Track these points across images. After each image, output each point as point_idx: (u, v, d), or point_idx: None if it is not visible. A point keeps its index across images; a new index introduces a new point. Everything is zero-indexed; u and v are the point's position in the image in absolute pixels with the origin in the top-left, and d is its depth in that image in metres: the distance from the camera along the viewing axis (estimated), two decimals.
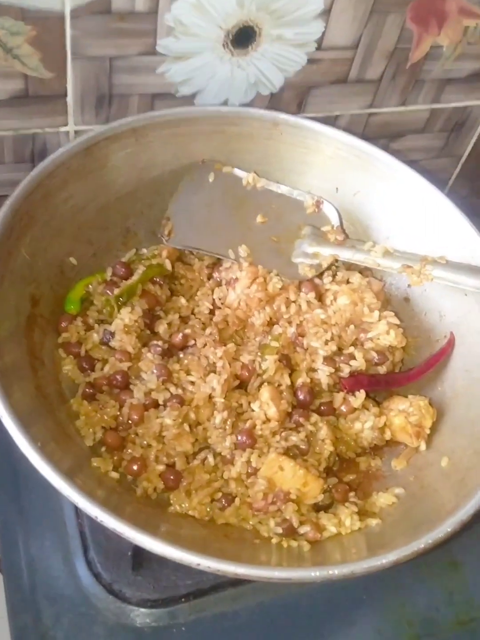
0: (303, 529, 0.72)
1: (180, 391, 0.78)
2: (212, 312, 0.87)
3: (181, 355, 0.81)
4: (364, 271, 0.94)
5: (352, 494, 0.78)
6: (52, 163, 0.84)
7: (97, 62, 0.93)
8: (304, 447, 0.78)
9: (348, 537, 0.71)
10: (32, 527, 0.80)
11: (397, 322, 0.88)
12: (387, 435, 0.82)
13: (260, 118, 0.96)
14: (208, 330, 0.84)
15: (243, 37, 0.93)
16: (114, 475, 0.73)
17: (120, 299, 0.82)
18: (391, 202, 0.96)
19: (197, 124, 0.94)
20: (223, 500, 0.74)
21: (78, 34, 0.89)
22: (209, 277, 0.91)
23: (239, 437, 0.76)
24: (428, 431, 0.82)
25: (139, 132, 0.91)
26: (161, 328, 0.82)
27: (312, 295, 0.88)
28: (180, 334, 0.82)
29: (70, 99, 0.97)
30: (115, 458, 0.75)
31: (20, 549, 0.79)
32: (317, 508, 0.76)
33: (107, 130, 0.88)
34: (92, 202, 0.91)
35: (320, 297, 0.89)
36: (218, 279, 0.90)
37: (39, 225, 0.83)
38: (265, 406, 0.77)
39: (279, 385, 0.80)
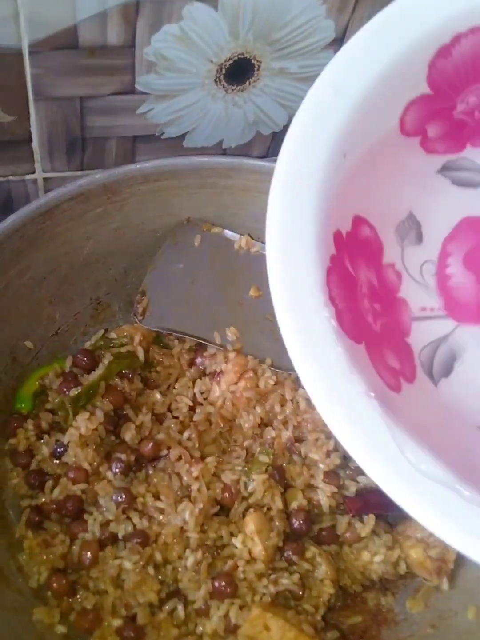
0: None
1: (145, 523, 0.64)
2: (192, 409, 0.73)
3: (150, 471, 0.67)
4: None
5: None
6: (0, 234, 0.70)
7: (65, 102, 0.81)
8: (298, 591, 0.64)
9: None
10: None
11: None
12: (402, 569, 0.67)
13: (257, 169, 0.81)
14: (186, 434, 0.70)
15: (239, 71, 0.81)
16: (61, 629, 0.59)
17: (78, 401, 0.68)
18: None
19: (181, 177, 0.80)
20: None
21: (40, 72, 0.77)
22: (191, 363, 0.77)
23: (216, 583, 0.62)
24: (452, 566, 0.67)
25: (112, 188, 0.77)
26: (128, 435, 0.68)
27: None
28: (151, 443, 0.67)
29: (35, 144, 0.85)
30: (63, 605, 0.61)
31: None
32: None
33: (72, 189, 0.75)
34: (54, 272, 0.77)
35: None
36: (201, 367, 0.76)
37: None
38: (249, 542, 0.63)
39: (269, 509, 0.66)
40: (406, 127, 0.54)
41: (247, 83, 0.83)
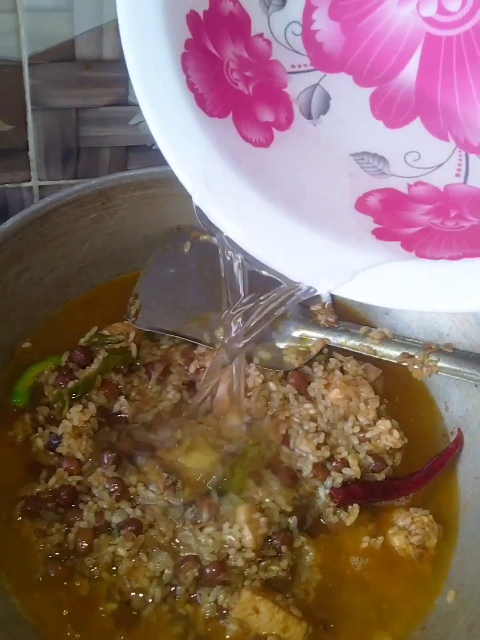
0: None
1: (138, 512, 0.66)
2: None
3: (141, 462, 0.70)
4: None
5: None
6: (1, 235, 0.72)
7: (61, 113, 0.85)
8: (286, 577, 0.66)
9: None
10: None
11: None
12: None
13: None
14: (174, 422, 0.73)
15: None
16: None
17: (74, 393, 0.71)
18: None
19: (172, 184, 0.81)
20: None
21: (38, 83, 0.80)
22: (184, 361, 0.79)
23: (208, 570, 0.64)
24: (432, 552, 0.70)
25: (106, 194, 0.80)
26: (117, 406, 0.73)
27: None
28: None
29: (32, 153, 0.88)
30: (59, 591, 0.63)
31: None
32: None
33: (68, 194, 0.77)
34: (51, 274, 0.80)
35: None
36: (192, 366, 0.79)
37: None
38: (236, 532, 0.65)
39: (260, 502, 0.69)
40: None
41: None
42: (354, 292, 0.47)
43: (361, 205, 0.53)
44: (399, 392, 0.81)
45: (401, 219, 0.52)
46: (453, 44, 0.53)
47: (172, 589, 0.65)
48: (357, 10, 0.54)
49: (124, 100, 0.85)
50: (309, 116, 0.57)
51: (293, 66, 0.57)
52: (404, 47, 0.54)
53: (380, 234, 0.50)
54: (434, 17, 0.53)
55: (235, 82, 0.54)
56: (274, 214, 0.49)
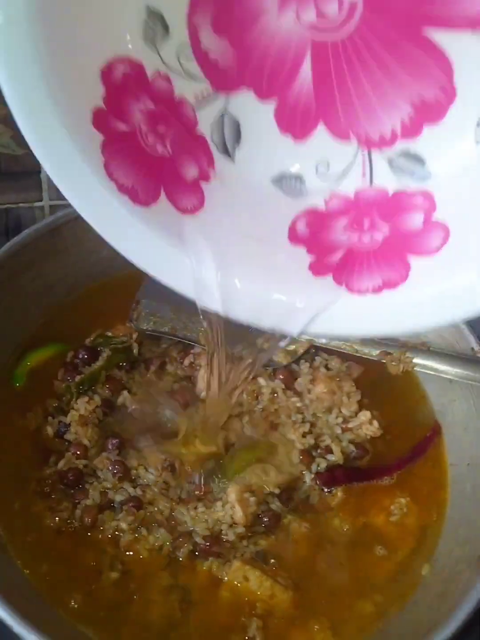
0: None
1: (139, 492, 0.73)
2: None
3: (142, 446, 0.76)
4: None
5: None
6: (17, 244, 0.81)
7: None
8: (275, 551, 0.72)
9: None
10: None
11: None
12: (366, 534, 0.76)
13: None
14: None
15: None
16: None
17: (81, 386, 0.78)
18: None
19: None
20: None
21: None
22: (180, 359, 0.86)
23: (203, 543, 0.71)
24: (410, 530, 0.76)
25: None
26: (121, 399, 0.80)
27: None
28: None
29: (43, 175, 0.96)
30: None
31: None
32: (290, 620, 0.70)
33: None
34: (62, 281, 0.88)
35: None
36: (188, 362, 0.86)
37: (1, 308, 0.81)
38: (228, 510, 0.72)
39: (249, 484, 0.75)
40: None
41: None
42: (317, 330, 0.55)
43: (293, 236, 0.57)
44: (382, 387, 0.87)
45: (326, 243, 0.56)
46: (339, 45, 0.53)
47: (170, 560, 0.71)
48: (240, 24, 0.54)
49: None
50: (225, 152, 0.59)
51: (197, 97, 0.57)
52: (294, 54, 0.54)
53: (315, 269, 0.55)
54: (315, 22, 0.53)
55: (154, 148, 0.56)
56: (234, 278, 0.55)
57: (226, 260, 0.55)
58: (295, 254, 0.57)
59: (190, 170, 0.57)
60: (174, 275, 0.56)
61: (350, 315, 0.55)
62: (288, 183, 0.59)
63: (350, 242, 0.56)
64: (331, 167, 0.58)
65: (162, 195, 0.56)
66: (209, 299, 0.56)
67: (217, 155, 0.58)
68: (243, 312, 0.56)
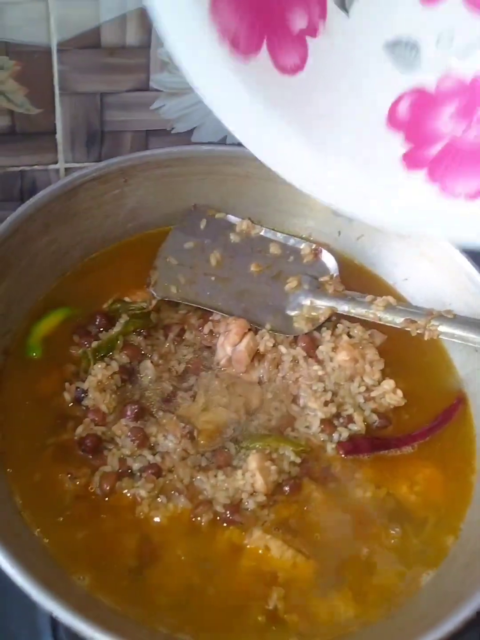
0: (290, 618, 0.65)
1: (158, 459, 0.71)
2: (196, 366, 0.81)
3: (160, 414, 0.75)
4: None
5: None
6: (31, 207, 0.79)
7: (87, 98, 0.90)
8: (296, 520, 0.71)
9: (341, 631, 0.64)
10: None
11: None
12: (389, 505, 0.74)
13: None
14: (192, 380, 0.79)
15: None
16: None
17: (98, 352, 0.77)
18: (397, 247, 0.90)
19: (190, 164, 0.89)
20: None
21: (66, 68, 0.86)
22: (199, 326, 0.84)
23: (223, 512, 0.69)
24: (435, 501, 0.75)
25: (128, 172, 0.86)
26: (142, 368, 0.78)
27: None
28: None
29: (59, 135, 0.94)
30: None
31: None
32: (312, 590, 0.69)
33: (93, 170, 0.83)
34: (76, 247, 0.86)
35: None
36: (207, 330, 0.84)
37: (16, 272, 0.78)
38: (249, 478, 0.70)
39: (270, 452, 0.74)
40: None
41: None
42: (396, 226, 0.50)
43: (392, 118, 0.52)
44: (406, 356, 0.85)
45: (427, 131, 0.51)
46: None
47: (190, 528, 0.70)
48: None
49: (146, 85, 0.90)
50: (342, 3, 0.54)
51: None
52: None
53: (410, 161, 0.51)
54: None
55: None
56: (315, 155, 0.51)
57: (314, 134, 0.52)
58: (390, 140, 0.53)
59: (298, 20, 0.53)
60: (257, 141, 0.54)
61: (437, 214, 0.50)
62: (401, 51, 0.54)
63: (453, 134, 0.52)
64: (455, 40, 0.53)
65: (264, 47, 0.52)
66: (288, 172, 0.52)
67: (332, 6, 0.54)
68: (324, 193, 0.52)
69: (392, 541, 0.72)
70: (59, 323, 0.82)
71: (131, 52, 0.86)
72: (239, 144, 0.94)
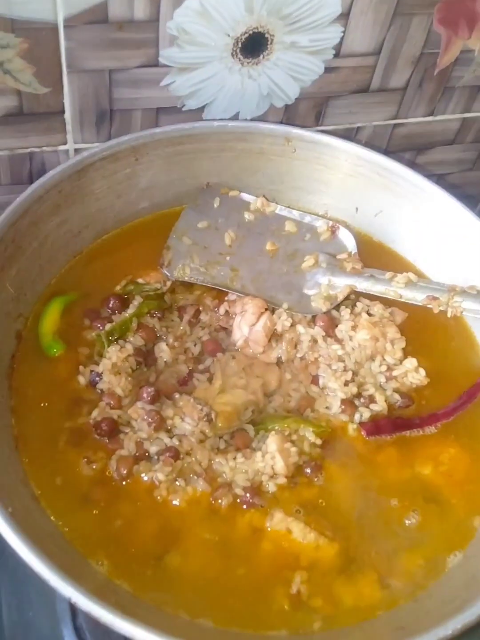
0: (314, 602, 0.63)
1: (175, 442, 0.70)
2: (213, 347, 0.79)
3: (177, 396, 0.73)
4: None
5: None
6: (41, 187, 0.77)
7: (95, 75, 0.88)
8: (318, 501, 0.69)
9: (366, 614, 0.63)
10: (18, 589, 0.73)
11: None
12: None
13: (272, 133, 0.88)
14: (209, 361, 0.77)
15: (254, 45, 0.87)
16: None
17: (112, 335, 0.75)
18: (417, 223, 0.88)
19: (202, 140, 0.87)
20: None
21: (73, 45, 0.84)
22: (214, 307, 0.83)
23: (245, 494, 0.68)
24: (460, 480, 0.73)
25: (139, 150, 0.84)
26: (158, 350, 0.77)
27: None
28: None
29: (68, 115, 0.91)
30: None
31: (3, 612, 0.72)
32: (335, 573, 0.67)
33: (103, 149, 0.82)
34: (87, 228, 0.84)
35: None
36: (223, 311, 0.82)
37: (26, 255, 0.77)
38: (269, 460, 0.69)
39: (290, 434, 0.72)
40: None
41: (261, 56, 0.89)
42: None
43: None
44: (428, 334, 0.83)
45: None
46: None
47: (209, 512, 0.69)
48: None
49: (155, 61, 0.88)
50: None
51: None
52: None
53: None
54: None
55: None
56: None
57: None
58: None
59: None
60: None
61: None
62: None
63: None
64: None
65: None
66: None
67: None
68: None
69: (417, 523, 0.70)
70: (66, 309, 0.80)
71: (139, 27, 0.83)
72: (252, 120, 0.94)
